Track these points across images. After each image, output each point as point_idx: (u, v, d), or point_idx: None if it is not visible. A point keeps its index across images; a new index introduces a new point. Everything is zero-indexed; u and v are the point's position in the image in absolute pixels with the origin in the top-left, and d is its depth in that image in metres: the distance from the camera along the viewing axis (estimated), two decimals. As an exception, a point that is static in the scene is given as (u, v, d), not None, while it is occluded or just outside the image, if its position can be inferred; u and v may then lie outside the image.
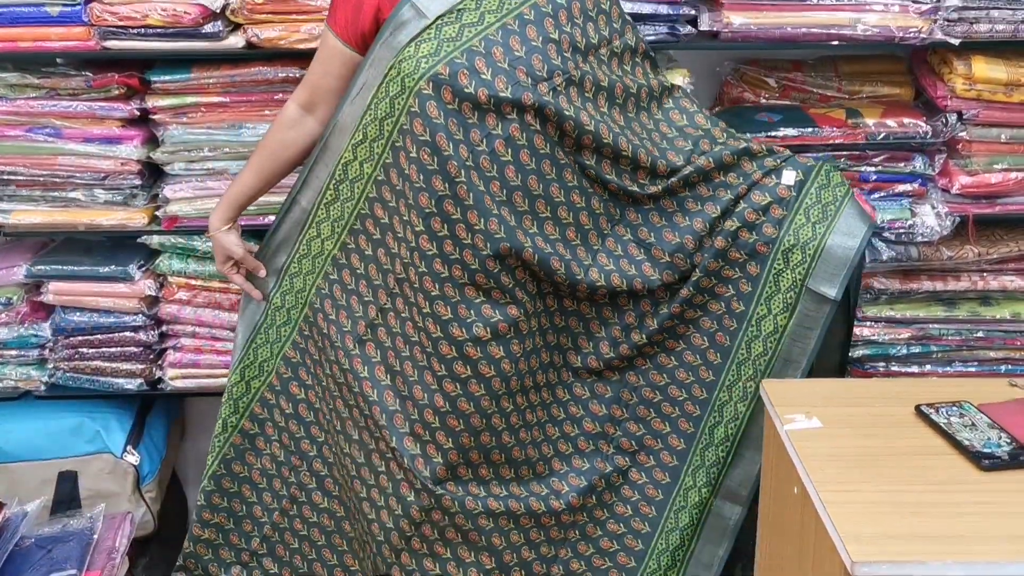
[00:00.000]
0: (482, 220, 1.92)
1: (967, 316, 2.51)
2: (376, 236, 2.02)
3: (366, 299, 2.07)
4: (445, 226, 1.93)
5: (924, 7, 2.24)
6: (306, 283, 2.14)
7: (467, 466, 2.06)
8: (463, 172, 1.88)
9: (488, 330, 1.98)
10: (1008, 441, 1.76)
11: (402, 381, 2.03)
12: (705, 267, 2.04)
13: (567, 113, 1.91)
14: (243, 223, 2.30)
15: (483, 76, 1.85)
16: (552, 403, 2.12)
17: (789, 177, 2.04)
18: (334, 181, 2.05)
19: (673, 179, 2.02)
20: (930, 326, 2.51)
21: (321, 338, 2.12)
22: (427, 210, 1.92)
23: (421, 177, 1.91)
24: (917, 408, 1.90)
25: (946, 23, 2.25)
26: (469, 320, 1.97)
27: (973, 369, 2.54)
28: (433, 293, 1.96)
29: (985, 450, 1.73)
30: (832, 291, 1.99)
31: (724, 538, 2.16)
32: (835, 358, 2.19)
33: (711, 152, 2.05)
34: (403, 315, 2.01)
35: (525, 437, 2.10)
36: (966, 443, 1.76)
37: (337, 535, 2.25)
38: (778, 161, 2.07)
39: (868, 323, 2.50)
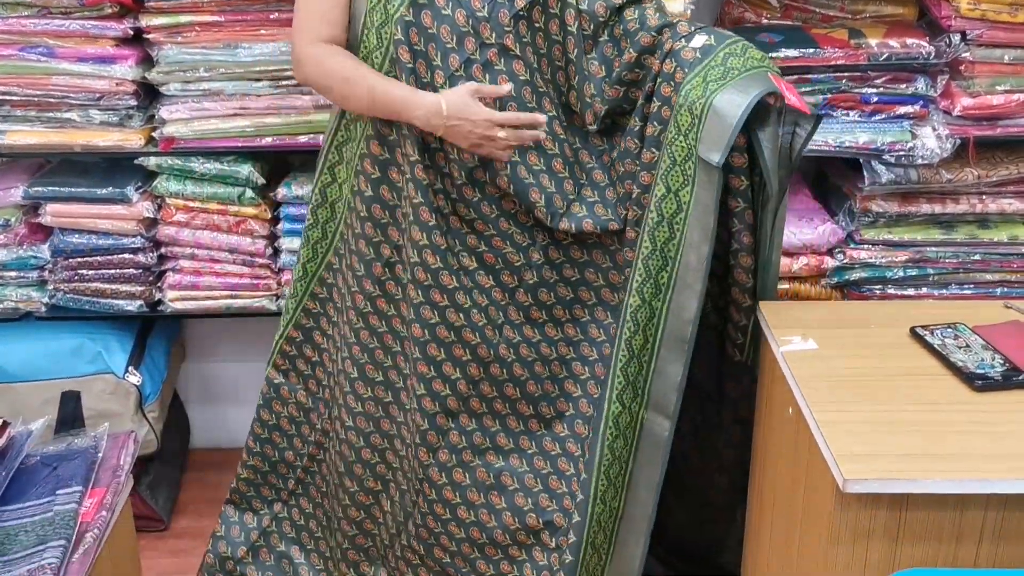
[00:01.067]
0: (454, 148, 1.92)
1: (965, 239, 2.51)
2: (375, 175, 2.00)
3: (375, 240, 2.03)
4: (426, 155, 1.92)
5: (930, -76, 2.20)
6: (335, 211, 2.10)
7: (479, 399, 2.08)
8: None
9: (474, 259, 1.99)
10: (1001, 362, 1.78)
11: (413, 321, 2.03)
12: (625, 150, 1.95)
13: (531, 41, 1.90)
14: (267, 143, 2.38)
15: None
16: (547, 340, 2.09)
17: (698, 40, 1.86)
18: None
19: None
20: (927, 249, 2.51)
21: (347, 272, 2.10)
22: (415, 138, 1.91)
23: None
24: (912, 330, 1.92)
25: (952, -60, 2.22)
26: (457, 250, 1.97)
27: (969, 292, 2.55)
28: (430, 224, 1.95)
29: (978, 371, 1.75)
30: (715, 156, 1.76)
31: (659, 455, 1.96)
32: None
33: (631, 43, 1.91)
34: (408, 250, 2.00)
35: (541, 371, 2.09)
36: (960, 364, 1.78)
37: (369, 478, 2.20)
38: (692, 28, 1.90)
39: (865, 246, 2.51)
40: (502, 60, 1.89)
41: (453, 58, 1.87)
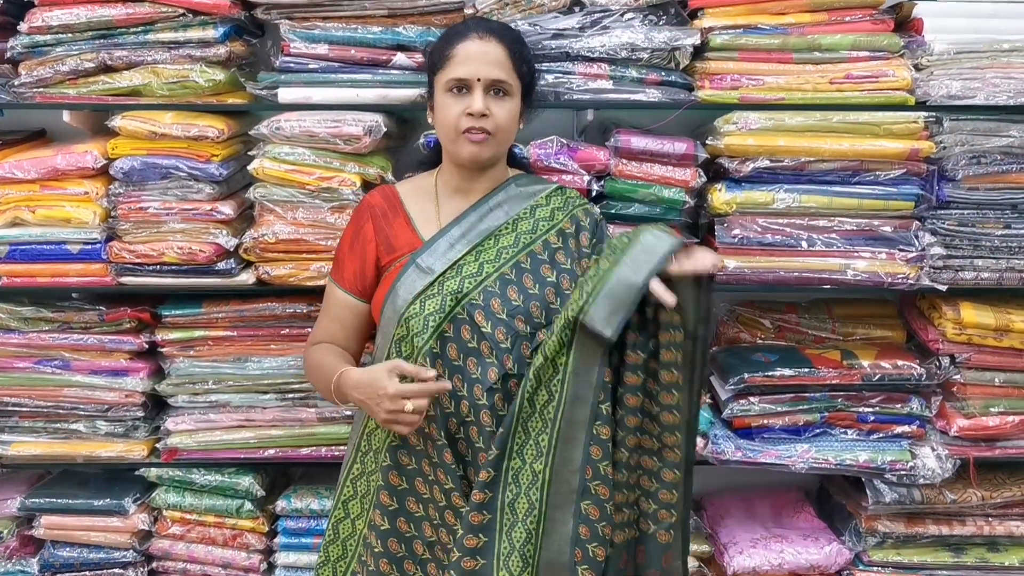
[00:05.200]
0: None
1: (976, 563, 2.45)
2: (392, 507, 1.90)
3: None
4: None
5: (910, 255, 2.32)
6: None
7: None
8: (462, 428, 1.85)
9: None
10: None
11: None
12: None
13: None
14: (270, 455, 2.39)
15: (483, 329, 1.84)
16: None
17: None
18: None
19: None
20: (938, 572, 2.45)
21: None
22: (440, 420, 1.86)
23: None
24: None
25: (932, 270, 2.33)
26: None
27: (988, 620, 2.46)
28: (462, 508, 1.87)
29: None
30: (607, 331, 1.73)
31: None
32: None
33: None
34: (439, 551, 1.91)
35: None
36: None
37: None
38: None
39: (874, 568, 2.45)
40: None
41: (477, 388, 1.84)
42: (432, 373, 1.78)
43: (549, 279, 1.90)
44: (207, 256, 2.30)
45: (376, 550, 1.89)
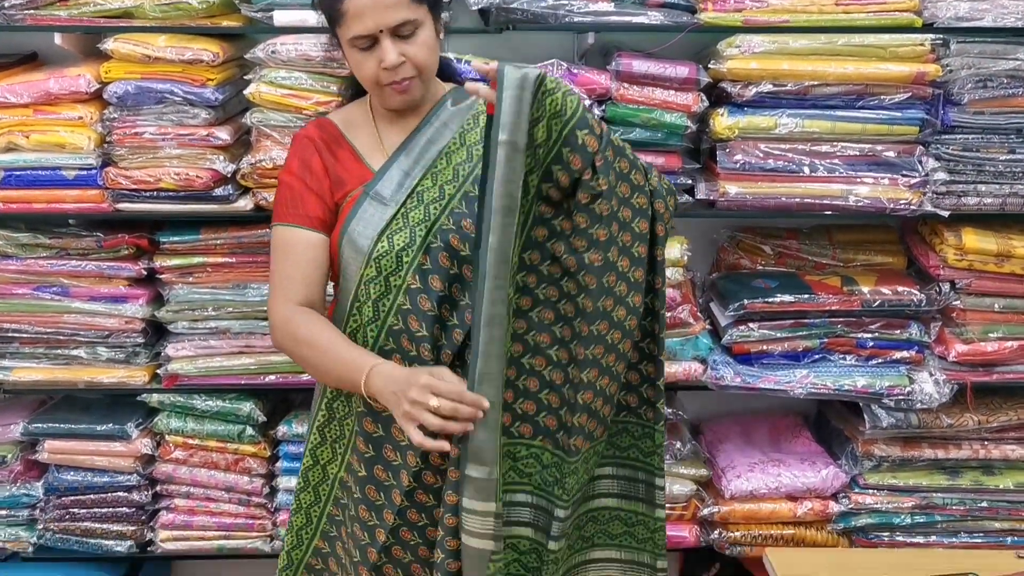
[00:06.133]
0: None
1: (970, 485, 2.48)
2: (369, 454, 1.79)
3: (370, 524, 1.81)
4: None
5: (913, 180, 2.31)
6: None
7: None
8: None
9: None
10: (1019, 614, 1.72)
11: None
12: None
13: None
14: (270, 381, 2.33)
15: (462, 253, 1.71)
16: None
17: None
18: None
19: None
20: (933, 495, 2.48)
21: (342, 555, 1.89)
22: None
23: None
24: (925, 579, 1.87)
25: (935, 196, 2.32)
26: None
27: (979, 540, 2.50)
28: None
29: (997, 623, 1.69)
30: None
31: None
32: None
33: None
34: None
35: None
36: (977, 616, 1.72)
37: None
38: None
39: (870, 491, 2.48)
40: None
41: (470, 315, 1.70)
42: (485, 403, 1.56)
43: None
44: (204, 182, 2.28)
45: (355, 496, 1.81)
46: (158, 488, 2.52)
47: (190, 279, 2.42)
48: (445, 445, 1.61)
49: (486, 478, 1.59)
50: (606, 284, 1.65)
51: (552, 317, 1.68)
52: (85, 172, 2.31)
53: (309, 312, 1.76)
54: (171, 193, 2.30)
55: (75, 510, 2.49)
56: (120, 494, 2.49)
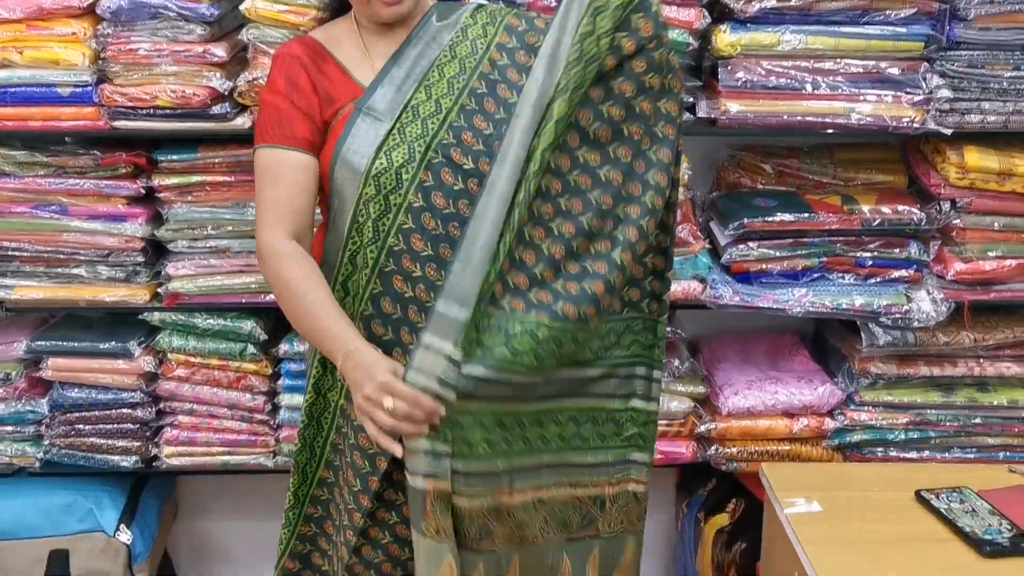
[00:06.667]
0: None
1: (964, 402, 2.51)
2: None
3: (370, 452, 1.81)
4: None
5: (916, 98, 2.29)
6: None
7: None
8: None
9: None
10: (1009, 528, 1.76)
11: None
12: None
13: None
14: (271, 300, 2.27)
15: (465, 166, 1.70)
16: None
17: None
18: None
19: None
20: (928, 411, 2.51)
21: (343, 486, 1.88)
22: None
23: None
24: (917, 493, 1.90)
25: (938, 113, 2.30)
26: None
27: (972, 456, 2.54)
28: None
29: (986, 536, 1.73)
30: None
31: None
32: None
33: None
34: None
35: None
36: (967, 529, 1.75)
37: None
38: None
39: (865, 407, 2.51)
40: None
41: None
42: (441, 411, 1.58)
43: (511, 100, 1.74)
44: (201, 100, 2.26)
45: (355, 423, 1.78)
46: (161, 405, 2.55)
47: (189, 198, 2.41)
48: (397, 450, 1.60)
49: (453, 317, 1.57)
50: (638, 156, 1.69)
51: (580, 206, 1.68)
52: (80, 89, 2.28)
53: (296, 254, 1.71)
54: (168, 111, 2.28)
55: (80, 426, 2.52)
56: (124, 411, 2.52)
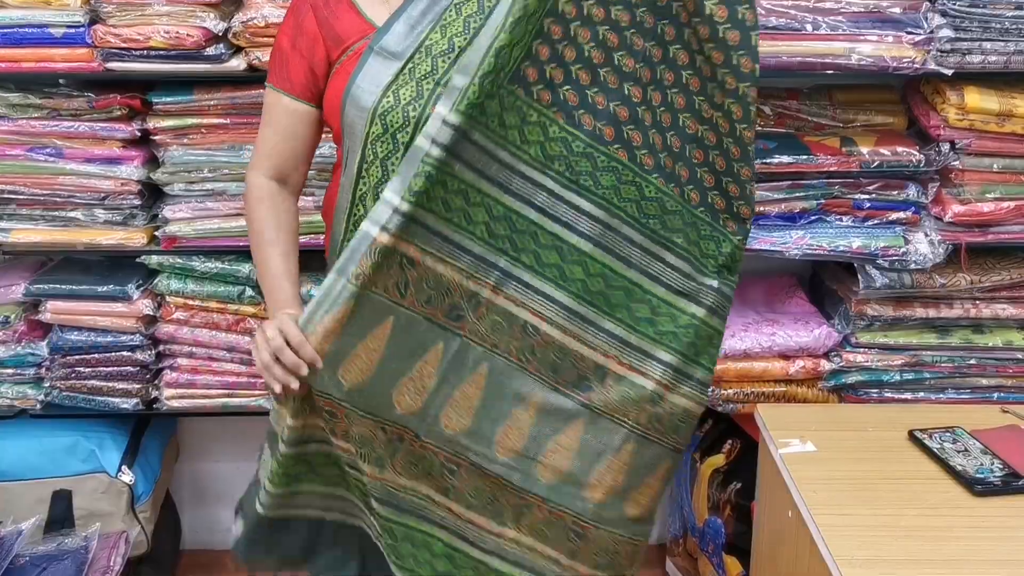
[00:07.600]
0: None
1: (960, 343, 2.52)
2: None
3: None
4: None
5: (917, 38, 2.27)
6: None
7: None
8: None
9: None
10: (1001, 467, 1.78)
11: None
12: None
13: None
14: (242, 243, 2.30)
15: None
16: None
17: None
18: None
19: None
20: (923, 353, 2.53)
21: None
22: None
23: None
24: (910, 433, 1.92)
25: (939, 54, 2.28)
26: None
27: (966, 396, 2.56)
28: None
29: (978, 475, 1.75)
30: None
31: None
32: None
33: None
34: None
35: None
36: (959, 468, 1.77)
37: None
38: None
39: (861, 349, 2.52)
40: None
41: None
42: (319, 363, 1.59)
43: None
44: (195, 41, 2.24)
45: None
46: (161, 348, 2.56)
47: (184, 140, 2.40)
48: (276, 388, 1.61)
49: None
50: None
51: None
52: (73, 30, 2.26)
53: (267, 197, 1.78)
54: (162, 52, 2.26)
55: (80, 369, 2.54)
56: (124, 353, 2.54)
